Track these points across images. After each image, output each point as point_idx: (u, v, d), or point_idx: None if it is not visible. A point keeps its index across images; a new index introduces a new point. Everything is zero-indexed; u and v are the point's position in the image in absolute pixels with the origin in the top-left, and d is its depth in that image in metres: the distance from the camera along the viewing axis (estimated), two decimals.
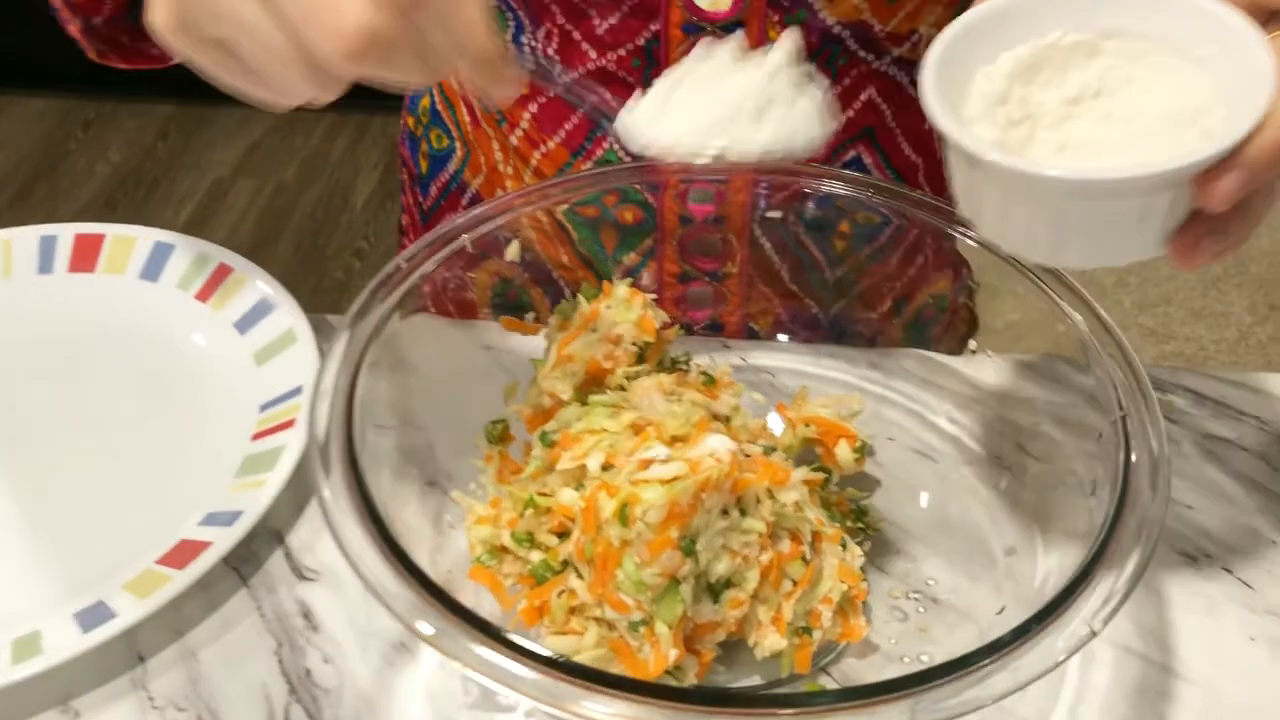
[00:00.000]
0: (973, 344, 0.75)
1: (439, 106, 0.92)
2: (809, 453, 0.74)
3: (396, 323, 0.68)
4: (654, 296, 0.71)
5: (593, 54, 0.80)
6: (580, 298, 0.71)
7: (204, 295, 0.85)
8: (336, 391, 0.62)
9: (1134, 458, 0.58)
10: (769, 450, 0.70)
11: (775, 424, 0.75)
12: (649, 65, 0.80)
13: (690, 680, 0.60)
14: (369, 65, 0.46)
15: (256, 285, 0.84)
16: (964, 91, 0.56)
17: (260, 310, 0.83)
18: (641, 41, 0.79)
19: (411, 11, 0.45)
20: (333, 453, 0.58)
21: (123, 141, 2.94)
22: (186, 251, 0.87)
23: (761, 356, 0.83)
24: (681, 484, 0.58)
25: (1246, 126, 0.49)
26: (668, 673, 0.59)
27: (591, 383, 0.69)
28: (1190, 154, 0.49)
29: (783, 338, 0.85)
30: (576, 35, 0.79)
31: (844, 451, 0.71)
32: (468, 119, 0.89)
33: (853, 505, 0.71)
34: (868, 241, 0.78)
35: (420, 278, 0.67)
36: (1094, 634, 0.50)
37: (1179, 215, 0.52)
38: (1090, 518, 0.60)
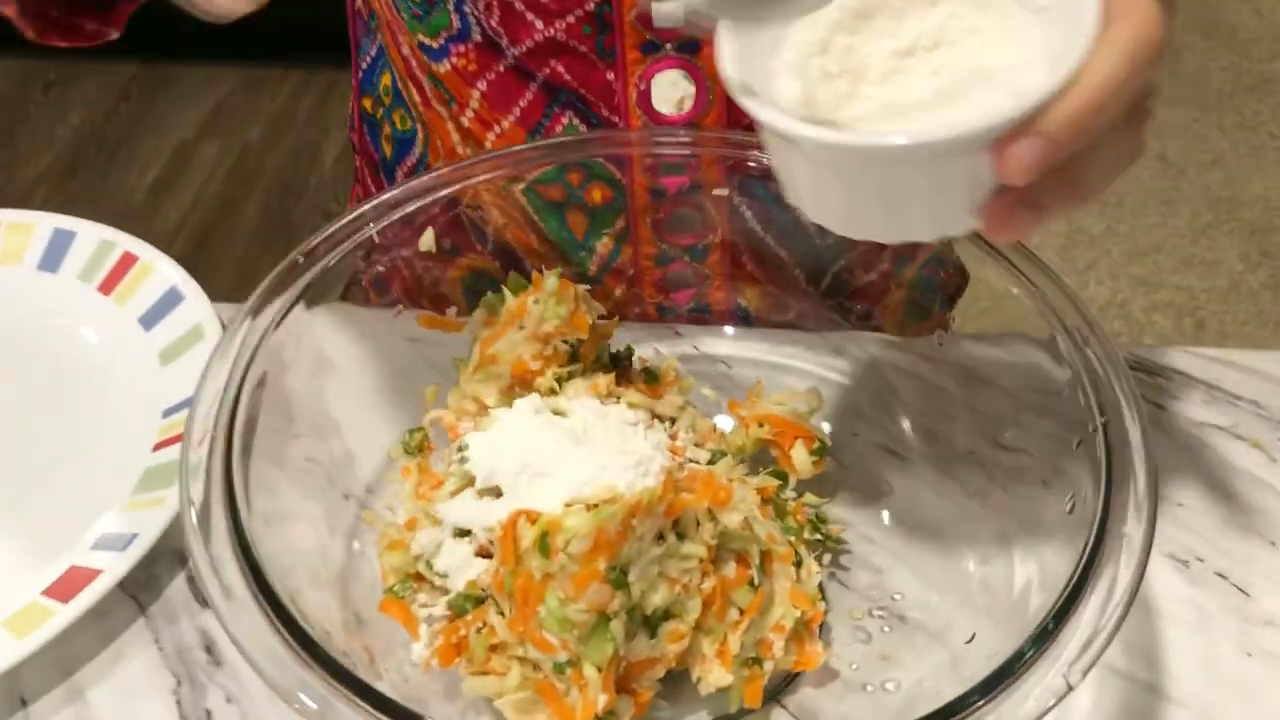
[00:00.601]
0: (941, 332, 0.68)
1: (399, 85, 0.84)
2: (764, 454, 0.67)
3: (301, 317, 0.61)
4: (587, 288, 0.64)
5: (539, 24, 0.72)
6: (506, 290, 0.64)
7: (107, 287, 0.78)
8: (222, 402, 0.55)
9: (1117, 471, 0.51)
10: (718, 455, 0.63)
11: (727, 424, 0.68)
12: (601, 31, 0.72)
13: None
14: None
15: (163, 275, 0.77)
16: (781, 38, 0.49)
17: (167, 303, 0.76)
18: (591, 6, 0.71)
19: None
20: (213, 482, 0.51)
21: (84, 103, 2.84)
22: (89, 239, 0.80)
23: (716, 345, 0.76)
24: (609, 509, 0.51)
25: (1046, 90, 0.42)
26: (598, 718, 0.53)
27: (520, 385, 0.63)
28: (975, 120, 0.43)
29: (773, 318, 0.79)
30: (519, 6, 0.72)
31: (801, 454, 0.65)
32: (418, 99, 0.81)
33: (811, 513, 0.64)
34: None
35: (322, 270, 0.60)
36: (1070, 687, 0.44)
37: (984, 185, 0.45)
38: (1068, 520, 0.54)
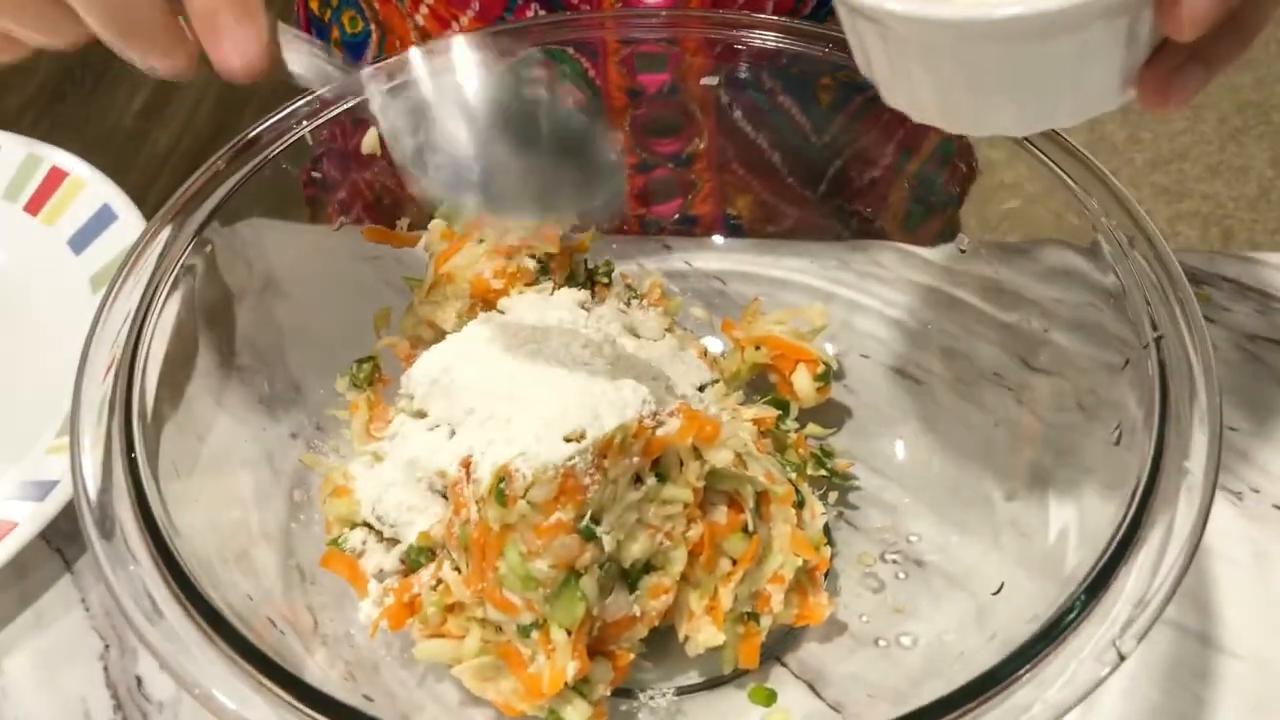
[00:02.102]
0: (963, 238, 0.60)
1: None
2: (762, 380, 0.60)
3: (238, 231, 0.54)
4: None
5: None
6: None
7: (34, 207, 0.71)
8: (132, 327, 0.48)
9: (1173, 394, 0.43)
10: (709, 383, 0.56)
11: (720, 347, 0.61)
12: None
13: (600, 693, 0.47)
14: None
15: (95, 192, 0.70)
16: None
17: (99, 223, 0.69)
18: None
19: None
20: (114, 422, 0.44)
21: None
22: (14, 153, 0.73)
23: (709, 259, 0.68)
24: (575, 449, 0.44)
25: None
26: (570, 687, 0.46)
27: (482, 307, 0.55)
28: None
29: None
30: None
31: (803, 380, 0.57)
32: None
33: (815, 447, 0.57)
34: (858, 91, 0.62)
35: (244, 178, 0.52)
36: (1122, 658, 0.36)
37: (1142, 47, 0.38)
38: (1114, 453, 0.47)
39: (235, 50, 0.40)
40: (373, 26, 0.75)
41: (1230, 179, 2.24)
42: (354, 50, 0.77)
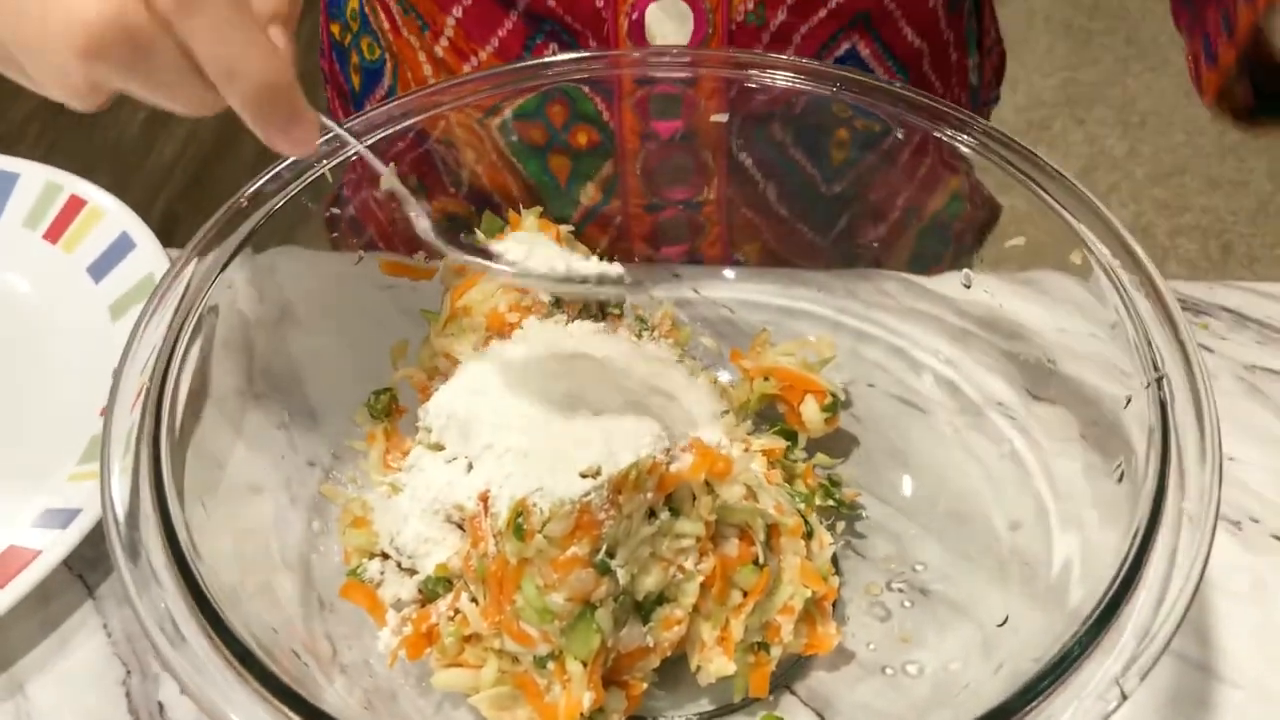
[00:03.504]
0: (968, 271, 0.61)
1: (366, 10, 0.77)
2: (770, 410, 0.61)
3: (259, 263, 0.55)
4: (571, 229, 0.58)
5: None
6: (479, 233, 0.58)
7: (53, 234, 0.72)
8: (159, 358, 0.49)
9: (1173, 436, 0.45)
10: (719, 414, 0.57)
11: (728, 377, 0.62)
12: None
13: None
14: (111, 67, 0.40)
15: (114, 220, 0.71)
16: None
17: (118, 251, 0.70)
18: None
19: (173, 12, 0.39)
20: (142, 452, 0.45)
21: None
22: (34, 181, 0.74)
23: (718, 288, 0.70)
24: (591, 485, 0.45)
25: None
26: (585, 717, 0.47)
27: (498, 340, 0.56)
28: None
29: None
30: None
31: (811, 411, 0.58)
32: (387, 25, 0.74)
33: (823, 476, 0.58)
34: (870, 148, 0.63)
35: (268, 214, 0.53)
36: (1125, 696, 0.38)
37: None
38: (1116, 489, 0.48)
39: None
40: (388, 55, 0.76)
41: (1230, 192, 2.25)
42: (371, 77, 0.78)
